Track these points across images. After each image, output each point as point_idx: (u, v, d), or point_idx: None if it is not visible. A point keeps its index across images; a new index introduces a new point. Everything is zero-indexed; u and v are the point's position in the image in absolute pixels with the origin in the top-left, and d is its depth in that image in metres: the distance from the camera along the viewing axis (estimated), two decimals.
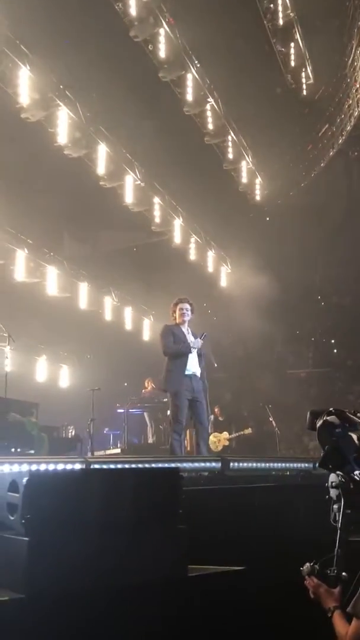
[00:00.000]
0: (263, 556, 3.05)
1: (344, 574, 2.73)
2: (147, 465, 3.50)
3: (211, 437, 10.94)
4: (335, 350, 26.76)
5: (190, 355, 6.80)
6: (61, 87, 11.78)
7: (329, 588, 2.72)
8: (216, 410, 11.74)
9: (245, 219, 18.93)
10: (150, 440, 13.45)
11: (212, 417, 10.81)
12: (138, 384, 15.03)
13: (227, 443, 11.58)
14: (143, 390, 14.44)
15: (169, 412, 11.47)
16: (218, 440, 11.45)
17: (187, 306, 7.10)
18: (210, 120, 14.52)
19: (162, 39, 12.13)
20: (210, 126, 14.61)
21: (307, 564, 2.83)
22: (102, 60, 11.92)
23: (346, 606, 2.63)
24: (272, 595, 2.97)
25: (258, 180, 17.73)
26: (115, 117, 13.19)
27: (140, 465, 3.46)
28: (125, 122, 13.46)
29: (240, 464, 4.25)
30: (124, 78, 12.32)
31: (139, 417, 13.77)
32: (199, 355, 6.94)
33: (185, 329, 7.01)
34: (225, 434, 11.54)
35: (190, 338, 7.00)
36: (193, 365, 6.79)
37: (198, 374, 6.81)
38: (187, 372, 6.71)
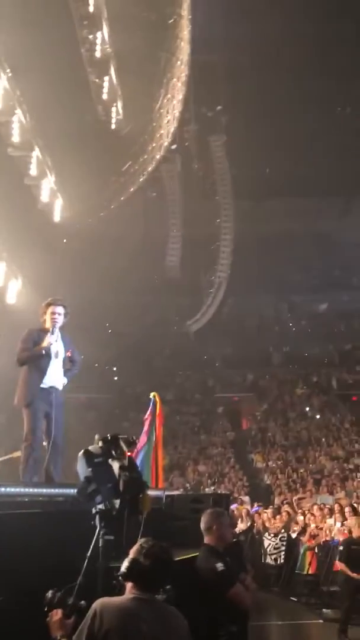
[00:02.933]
0: (25, 586, 2.95)
1: (82, 602, 2.78)
2: None
3: None
4: (116, 378, 27.57)
5: (51, 364, 5.63)
6: None
7: (63, 618, 2.75)
8: None
9: (42, 238, 18.66)
10: None
11: None
12: None
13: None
14: None
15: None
16: None
17: (61, 309, 5.78)
18: (15, 132, 14.14)
19: None
20: (15, 138, 14.23)
21: (50, 592, 2.83)
22: None
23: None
24: (27, 625, 2.87)
25: (59, 201, 17.67)
26: None
27: None
28: None
29: (7, 489, 4.08)
30: None
31: None
32: (64, 362, 5.77)
33: (53, 336, 5.65)
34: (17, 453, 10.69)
35: (59, 347, 5.71)
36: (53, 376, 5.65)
37: (59, 386, 5.71)
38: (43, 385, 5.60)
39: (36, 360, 5.61)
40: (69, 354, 5.80)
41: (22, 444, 5.63)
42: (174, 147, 23.04)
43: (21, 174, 15.61)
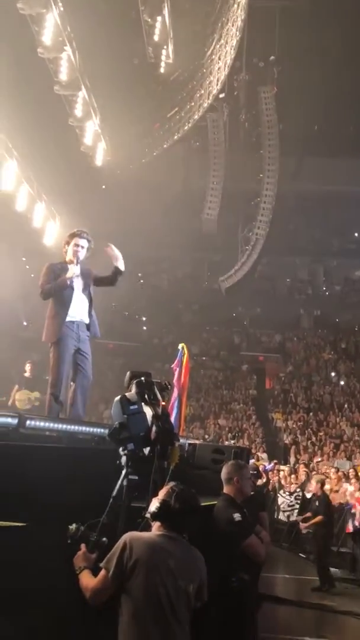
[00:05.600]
0: (48, 515, 3.05)
1: (104, 539, 2.91)
2: None
3: (21, 394, 10.45)
4: (144, 328, 27.82)
5: (74, 296, 5.41)
6: None
7: (87, 552, 2.92)
8: (27, 367, 11.12)
9: (82, 181, 18.54)
10: None
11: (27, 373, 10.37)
12: None
13: (37, 403, 10.95)
14: None
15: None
16: (27, 398, 10.88)
17: (85, 242, 5.54)
18: (63, 69, 13.86)
19: None
20: (63, 76, 13.96)
21: (74, 525, 2.95)
22: None
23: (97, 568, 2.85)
24: (52, 554, 2.99)
25: (102, 144, 17.43)
26: None
27: None
28: None
29: (37, 423, 4.17)
30: None
31: None
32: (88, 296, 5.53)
33: (77, 267, 5.44)
34: (37, 393, 10.93)
35: (80, 281, 5.48)
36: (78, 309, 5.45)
37: (86, 319, 5.49)
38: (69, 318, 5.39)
39: (60, 294, 5.45)
40: (93, 276, 5.59)
41: (48, 378, 5.58)
42: (222, 95, 22.39)
43: (66, 114, 15.39)
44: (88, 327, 5.54)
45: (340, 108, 25.00)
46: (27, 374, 10.70)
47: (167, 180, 21.90)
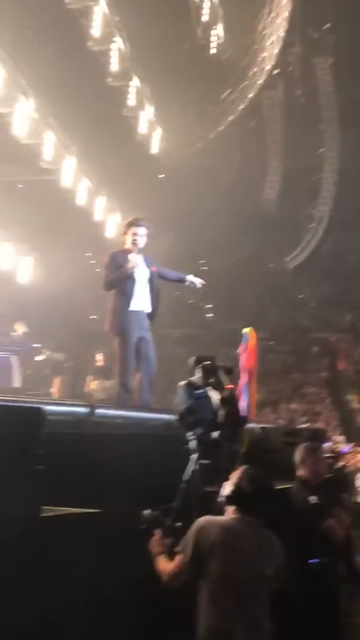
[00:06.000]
0: (121, 501, 3.07)
1: (178, 524, 2.90)
2: (8, 404, 3.34)
3: (95, 384, 10.65)
4: (208, 315, 27.74)
5: (136, 286, 5.43)
6: None
7: (162, 537, 2.95)
8: (98, 357, 11.27)
9: (140, 170, 18.62)
10: (16, 384, 13.04)
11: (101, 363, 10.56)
12: (7, 327, 14.45)
13: (113, 391, 11.05)
14: (12, 334, 13.87)
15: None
16: (102, 387, 11.05)
17: (143, 230, 5.54)
18: (114, 60, 13.89)
19: None
20: (114, 67, 14.01)
21: (148, 511, 2.95)
22: None
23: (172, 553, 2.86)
24: (127, 539, 3.01)
25: (156, 133, 17.41)
26: (14, 37, 12.17)
27: (1, 403, 3.31)
28: (24, 46, 12.48)
29: (106, 411, 4.22)
30: None
31: (5, 360, 13.26)
32: (150, 282, 5.55)
33: (138, 256, 5.48)
34: (111, 381, 11.03)
35: (141, 270, 5.48)
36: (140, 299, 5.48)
37: (147, 309, 5.53)
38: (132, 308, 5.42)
39: (122, 284, 5.48)
40: (154, 268, 5.63)
41: (115, 369, 5.66)
42: (276, 71, 21.81)
43: (119, 105, 15.46)
44: (150, 315, 5.58)
45: None
46: (99, 364, 10.86)
47: (225, 162, 21.65)
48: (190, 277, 5.85)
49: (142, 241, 5.55)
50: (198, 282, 5.84)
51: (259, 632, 2.72)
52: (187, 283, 5.84)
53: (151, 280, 5.59)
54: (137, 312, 5.50)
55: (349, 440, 16.52)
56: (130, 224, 5.62)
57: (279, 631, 2.84)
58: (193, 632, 2.76)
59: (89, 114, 14.79)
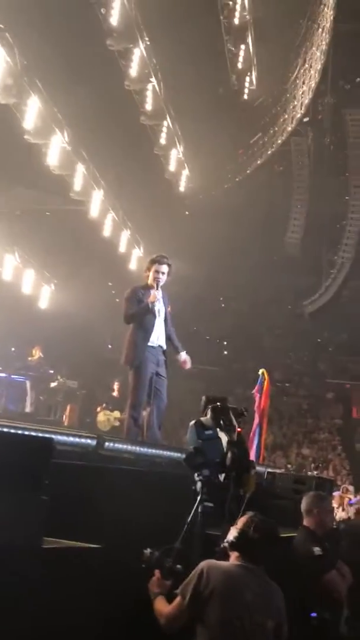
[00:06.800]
0: (122, 538, 3.06)
1: (178, 566, 2.86)
2: (18, 432, 3.37)
3: (101, 415, 10.62)
4: (225, 352, 27.68)
5: (155, 322, 5.57)
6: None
7: (161, 578, 2.90)
8: (115, 386, 11.24)
9: (166, 208, 18.94)
10: (28, 409, 13.09)
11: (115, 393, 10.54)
12: (24, 350, 14.59)
13: (117, 424, 10.99)
14: (29, 359, 14.02)
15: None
16: (107, 419, 10.99)
17: (165, 268, 5.69)
18: (149, 100, 14.30)
19: (116, 4, 11.78)
20: (148, 107, 14.40)
21: (148, 550, 2.93)
22: (49, 9, 11.37)
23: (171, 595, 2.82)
24: (124, 576, 2.98)
25: (185, 172, 17.75)
26: (54, 73, 12.63)
27: (11, 431, 3.33)
28: (63, 81, 12.93)
29: (115, 445, 4.22)
30: (69, 35, 11.83)
31: (21, 384, 13.36)
32: (165, 321, 5.70)
33: (159, 292, 5.62)
34: (117, 414, 10.96)
35: (160, 306, 5.66)
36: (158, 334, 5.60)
37: (164, 344, 5.68)
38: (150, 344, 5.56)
39: (142, 318, 5.60)
40: (169, 309, 5.77)
41: (128, 402, 5.73)
42: (306, 119, 22.24)
43: (151, 143, 15.84)
44: (165, 352, 5.69)
45: None
46: (115, 394, 10.82)
47: (250, 204, 21.96)
48: (183, 354, 5.86)
49: (163, 278, 5.69)
50: (187, 364, 5.88)
51: None
52: (177, 356, 5.84)
53: (166, 320, 5.71)
54: (154, 347, 5.61)
55: (358, 490, 16.18)
56: (154, 261, 5.77)
57: None
58: None
59: (121, 150, 15.17)
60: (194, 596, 2.69)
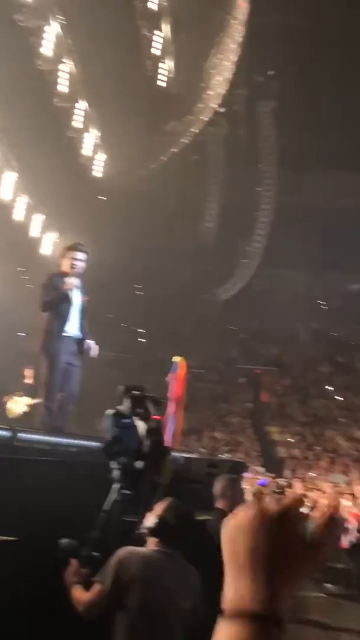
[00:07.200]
0: (39, 529, 3.02)
1: (95, 554, 2.88)
2: None
3: (10, 403, 10.28)
4: (140, 340, 27.75)
5: (71, 310, 5.41)
6: None
7: (79, 567, 2.89)
8: (26, 372, 10.89)
9: (81, 192, 18.59)
10: None
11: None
12: None
13: (26, 409, 10.63)
14: None
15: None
16: (16, 404, 10.60)
17: (82, 256, 5.53)
18: (62, 81, 13.95)
19: None
20: (63, 88, 14.05)
21: (65, 540, 2.92)
22: None
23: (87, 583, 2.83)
24: (43, 568, 2.95)
25: (101, 156, 17.51)
26: None
27: None
28: None
29: (30, 436, 4.14)
30: None
31: None
32: (82, 310, 5.54)
33: (76, 279, 5.45)
34: (27, 399, 10.62)
35: (76, 295, 5.48)
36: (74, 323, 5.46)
37: (79, 334, 5.53)
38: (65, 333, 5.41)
39: (58, 306, 5.47)
40: (85, 299, 5.64)
41: (40, 391, 5.62)
42: (222, 110, 22.56)
43: (64, 126, 15.48)
44: (80, 341, 5.57)
45: (340, 123, 25.17)
46: (28, 380, 10.51)
47: (166, 192, 22.02)
48: (91, 343, 5.68)
49: (80, 266, 5.55)
50: (94, 352, 5.69)
51: None
52: (85, 346, 5.63)
53: (82, 309, 5.59)
54: (69, 337, 5.49)
55: (268, 471, 16.87)
56: (70, 248, 5.62)
57: None
58: None
59: (34, 134, 14.69)
60: (114, 583, 2.71)
